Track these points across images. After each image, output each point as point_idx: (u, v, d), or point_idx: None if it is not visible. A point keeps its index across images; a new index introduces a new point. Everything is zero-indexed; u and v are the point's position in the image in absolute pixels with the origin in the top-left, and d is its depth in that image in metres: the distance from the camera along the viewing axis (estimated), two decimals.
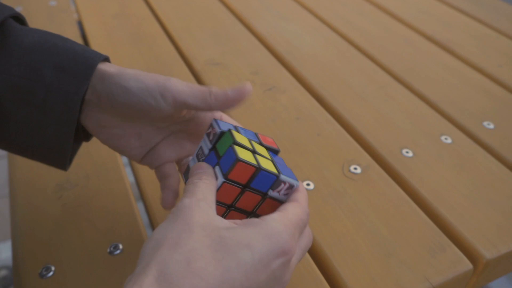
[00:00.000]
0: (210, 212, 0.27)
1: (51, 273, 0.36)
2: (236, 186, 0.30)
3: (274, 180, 0.30)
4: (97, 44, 0.66)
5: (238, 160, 0.29)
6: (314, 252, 0.39)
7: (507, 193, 0.45)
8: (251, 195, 0.30)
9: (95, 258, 0.37)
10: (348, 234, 0.40)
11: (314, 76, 0.62)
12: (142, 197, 0.44)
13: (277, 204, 0.31)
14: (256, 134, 0.34)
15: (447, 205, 0.44)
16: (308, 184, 0.45)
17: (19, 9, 0.75)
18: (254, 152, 0.31)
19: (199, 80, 0.61)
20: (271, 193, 0.31)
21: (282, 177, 0.30)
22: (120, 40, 0.68)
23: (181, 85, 0.33)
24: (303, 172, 0.46)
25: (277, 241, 0.25)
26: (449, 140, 0.51)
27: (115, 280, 0.36)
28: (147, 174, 0.45)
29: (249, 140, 0.32)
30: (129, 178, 0.46)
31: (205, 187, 0.28)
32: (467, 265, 0.38)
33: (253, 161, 0.30)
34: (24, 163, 0.46)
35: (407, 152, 0.49)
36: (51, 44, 0.34)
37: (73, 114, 0.33)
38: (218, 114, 0.37)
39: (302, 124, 0.53)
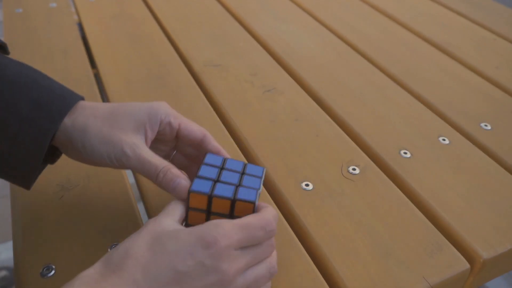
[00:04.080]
0: (167, 221, 0.31)
1: (52, 272, 0.36)
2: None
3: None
4: (97, 45, 0.67)
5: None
6: (313, 252, 0.39)
7: (504, 194, 0.46)
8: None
9: (96, 257, 0.37)
10: (346, 234, 0.40)
11: (313, 77, 0.62)
12: (142, 198, 0.44)
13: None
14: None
15: (445, 205, 0.44)
16: (307, 185, 0.45)
17: (19, 10, 0.76)
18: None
19: (198, 81, 0.61)
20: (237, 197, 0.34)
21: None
22: (119, 41, 0.68)
23: (135, 160, 0.35)
24: (302, 172, 0.47)
25: (201, 234, 0.29)
26: (446, 141, 0.52)
27: None
28: None
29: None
30: (130, 179, 0.46)
31: (172, 205, 0.34)
32: (464, 264, 0.39)
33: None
34: None
35: (405, 153, 0.50)
36: (31, 80, 0.36)
37: (43, 149, 0.35)
38: (202, 136, 0.39)
39: (301, 125, 0.53)
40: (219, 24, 0.75)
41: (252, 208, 0.34)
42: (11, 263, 1.06)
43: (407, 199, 0.44)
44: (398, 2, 0.87)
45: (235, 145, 0.50)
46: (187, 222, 0.36)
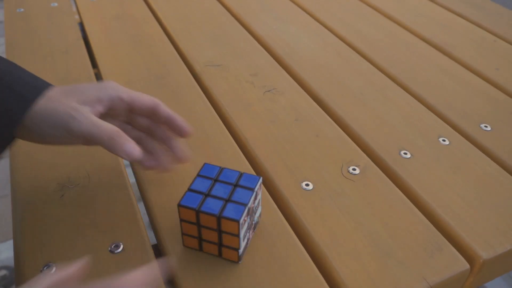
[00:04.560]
0: None
1: (52, 271, 0.36)
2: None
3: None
4: (98, 46, 0.67)
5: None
6: (312, 252, 0.40)
7: (503, 194, 0.46)
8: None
9: (96, 256, 0.38)
10: (346, 234, 0.41)
11: (313, 78, 0.63)
12: (143, 197, 0.44)
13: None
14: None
15: (444, 205, 0.44)
16: (307, 185, 0.45)
17: (20, 10, 0.76)
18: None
19: (198, 82, 0.61)
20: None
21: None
22: (120, 41, 0.68)
23: (86, 123, 0.36)
24: (302, 172, 0.47)
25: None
26: (446, 142, 0.52)
27: None
28: (148, 174, 0.46)
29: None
30: (130, 179, 0.46)
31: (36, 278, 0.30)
32: (464, 265, 0.39)
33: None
34: (25, 162, 0.47)
35: (405, 153, 0.50)
36: (5, 71, 0.37)
37: (11, 132, 0.36)
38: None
39: (301, 125, 0.53)
40: (220, 24, 0.75)
41: (236, 226, 0.34)
42: (11, 262, 1.07)
43: (407, 199, 0.44)
44: (398, 3, 0.87)
45: (236, 145, 0.50)
46: (181, 231, 0.37)
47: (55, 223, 0.40)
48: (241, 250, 0.36)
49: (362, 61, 0.67)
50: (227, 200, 0.35)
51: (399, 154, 0.50)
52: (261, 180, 0.37)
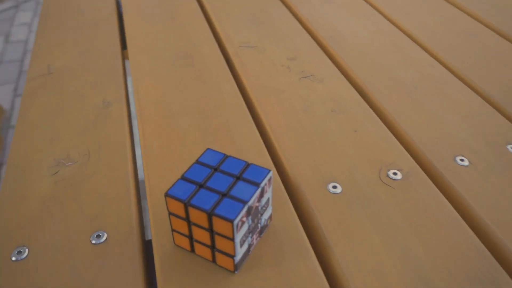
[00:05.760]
0: None
1: (24, 256, 0.32)
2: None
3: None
4: (130, 20, 0.63)
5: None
6: (329, 269, 0.32)
7: None
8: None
9: (75, 244, 0.33)
10: (373, 249, 0.33)
11: (359, 66, 0.54)
12: (146, 183, 0.39)
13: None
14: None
15: (508, 229, 0.35)
16: (334, 187, 0.38)
17: None
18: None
19: (229, 63, 0.55)
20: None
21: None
22: (153, 17, 0.64)
23: None
24: (331, 172, 0.39)
25: None
26: None
27: (91, 271, 0.31)
28: (154, 157, 0.40)
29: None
30: (138, 161, 0.41)
31: None
32: None
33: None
34: (28, 133, 0.43)
35: (461, 159, 0.41)
36: None
37: None
38: None
39: (338, 117, 0.46)
40: (262, 5, 0.68)
41: (230, 228, 0.27)
42: None
43: (457, 215, 0.36)
44: None
45: (257, 133, 0.43)
46: (171, 227, 0.31)
47: (40, 203, 0.36)
48: (237, 258, 0.30)
49: (419, 51, 0.58)
50: (224, 195, 0.29)
51: (454, 160, 0.41)
52: (270, 174, 0.30)
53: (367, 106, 0.48)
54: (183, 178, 0.30)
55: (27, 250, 0.32)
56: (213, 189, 0.29)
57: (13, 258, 0.32)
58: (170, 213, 0.30)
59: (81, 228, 0.34)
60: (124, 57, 0.57)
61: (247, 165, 0.31)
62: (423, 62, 0.56)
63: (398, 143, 0.43)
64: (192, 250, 0.32)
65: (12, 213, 0.35)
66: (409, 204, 0.36)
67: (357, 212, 0.36)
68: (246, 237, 0.30)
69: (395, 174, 0.39)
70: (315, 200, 0.36)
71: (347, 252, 0.32)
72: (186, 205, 0.28)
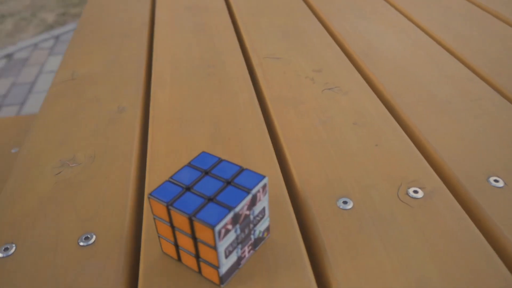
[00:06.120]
0: None
1: (10, 253, 0.31)
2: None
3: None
4: (160, 31, 0.63)
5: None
6: None
7: None
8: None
9: (61, 245, 0.31)
10: (383, 276, 0.29)
11: (391, 80, 0.51)
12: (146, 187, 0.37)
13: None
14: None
15: None
16: (345, 202, 0.34)
17: None
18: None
19: (252, 74, 0.54)
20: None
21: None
22: (183, 28, 0.64)
23: None
24: (344, 186, 0.36)
25: None
26: None
27: (72, 272, 0.29)
28: (157, 162, 0.39)
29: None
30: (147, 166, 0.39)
31: None
32: None
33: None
34: (41, 135, 0.43)
35: (495, 180, 0.36)
36: None
37: None
38: None
39: (360, 130, 0.42)
40: (295, 19, 0.67)
41: (211, 234, 0.25)
42: None
43: (486, 242, 0.31)
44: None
45: (270, 144, 0.41)
46: (156, 231, 0.29)
47: (36, 201, 0.35)
48: (222, 270, 0.27)
49: (458, 65, 0.54)
50: (210, 199, 0.26)
51: (487, 181, 0.36)
52: (265, 181, 0.28)
53: (393, 120, 0.44)
54: (170, 180, 0.28)
55: (14, 247, 0.31)
56: (199, 192, 0.27)
57: (0, 255, 0.31)
58: (154, 216, 0.28)
59: (71, 229, 0.32)
60: (151, 67, 0.57)
61: (241, 170, 0.29)
62: (462, 76, 0.51)
63: (423, 160, 0.39)
64: (179, 258, 0.29)
65: (8, 210, 0.34)
66: (430, 227, 0.32)
67: (368, 231, 0.32)
68: (234, 248, 0.27)
69: (415, 192, 0.35)
70: (321, 215, 0.33)
71: (351, 276, 0.29)
72: (168, 207, 0.26)
